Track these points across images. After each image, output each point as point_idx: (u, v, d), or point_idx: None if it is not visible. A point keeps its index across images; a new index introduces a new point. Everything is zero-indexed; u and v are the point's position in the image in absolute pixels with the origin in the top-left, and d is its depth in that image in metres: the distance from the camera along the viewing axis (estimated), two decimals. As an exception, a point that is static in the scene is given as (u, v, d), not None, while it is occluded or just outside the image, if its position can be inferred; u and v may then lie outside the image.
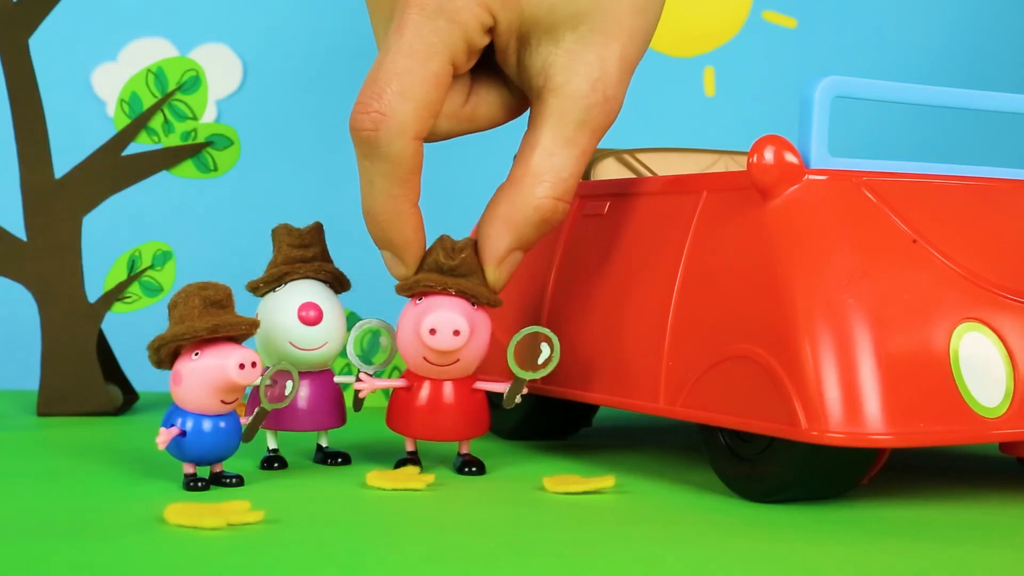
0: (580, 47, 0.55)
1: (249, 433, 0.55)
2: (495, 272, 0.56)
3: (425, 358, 0.55)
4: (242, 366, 0.52)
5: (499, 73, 0.58)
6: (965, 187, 0.54)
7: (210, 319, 0.52)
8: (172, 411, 0.53)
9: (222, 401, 0.53)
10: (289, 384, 0.55)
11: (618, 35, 0.56)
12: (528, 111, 0.58)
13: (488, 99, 0.58)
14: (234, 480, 0.54)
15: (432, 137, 0.57)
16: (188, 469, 0.54)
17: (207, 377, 0.52)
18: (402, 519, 0.49)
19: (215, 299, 0.53)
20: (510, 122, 0.60)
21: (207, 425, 0.53)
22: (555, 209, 0.56)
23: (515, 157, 0.57)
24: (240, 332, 0.53)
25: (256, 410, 0.55)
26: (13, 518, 0.48)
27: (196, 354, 0.52)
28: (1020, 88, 0.86)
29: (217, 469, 0.54)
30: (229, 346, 0.52)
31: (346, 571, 0.41)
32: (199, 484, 0.53)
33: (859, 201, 0.51)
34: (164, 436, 0.53)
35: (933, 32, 0.94)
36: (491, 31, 0.55)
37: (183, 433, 0.53)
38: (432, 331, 0.54)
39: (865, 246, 0.50)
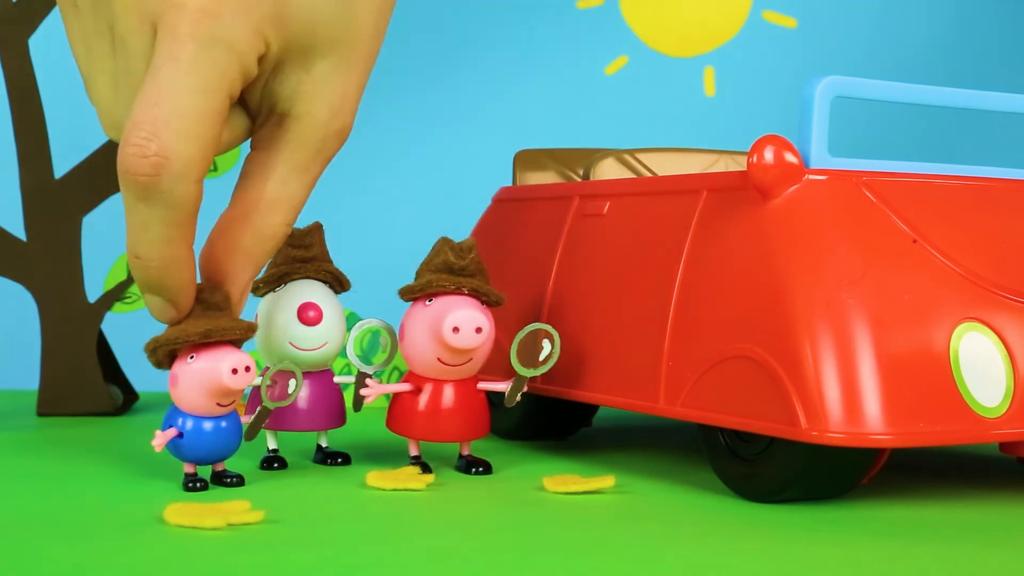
0: (327, 75, 0.54)
1: (251, 432, 0.55)
2: (239, 303, 0.55)
3: (440, 359, 0.56)
4: (235, 371, 0.52)
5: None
6: (965, 187, 0.54)
7: (204, 323, 0.52)
8: (172, 412, 0.53)
9: (217, 404, 0.53)
10: (292, 383, 0.55)
11: (359, 63, 0.55)
12: (253, 132, 0.56)
13: (231, 123, 0.55)
14: (235, 480, 0.54)
15: None
16: (188, 469, 0.54)
17: (201, 380, 0.52)
18: (402, 519, 0.49)
19: (211, 302, 0.53)
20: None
21: (207, 426, 0.53)
22: (287, 234, 0.55)
23: (240, 181, 0.55)
24: (234, 337, 0.53)
25: (258, 409, 0.55)
26: (13, 518, 0.48)
27: (192, 357, 0.52)
28: (1020, 88, 0.86)
29: (219, 468, 0.54)
30: (224, 350, 0.52)
31: (346, 571, 0.41)
32: (198, 484, 0.53)
33: (859, 201, 0.51)
34: (160, 439, 0.53)
35: (933, 32, 0.94)
36: (261, 59, 0.53)
37: (180, 435, 0.53)
38: (455, 329, 0.54)
39: (865, 246, 0.50)
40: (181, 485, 0.53)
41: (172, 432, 0.53)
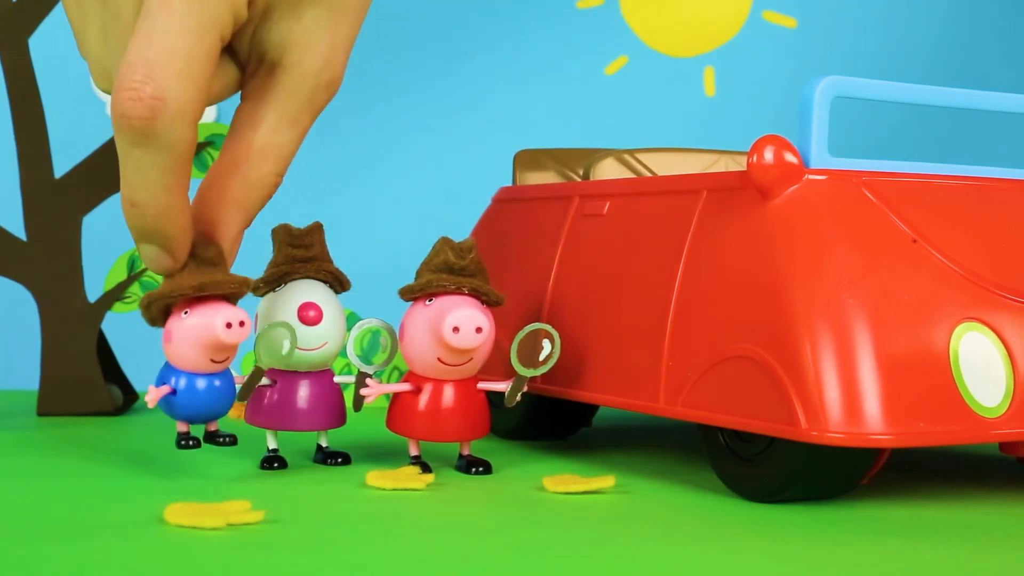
0: (317, 24, 0.54)
1: (244, 392, 0.55)
2: (232, 255, 0.55)
3: (440, 359, 0.56)
4: (229, 325, 0.51)
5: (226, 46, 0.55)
6: (965, 187, 0.54)
7: (197, 277, 0.52)
8: (165, 369, 0.53)
9: (212, 360, 0.52)
10: (285, 343, 0.55)
11: (349, 14, 0.54)
12: (243, 84, 0.56)
13: (220, 73, 0.55)
14: (227, 439, 0.54)
15: None
16: (181, 427, 0.53)
17: (195, 335, 0.52)
18: (402, 519, 0.49)
19: (205, 256, 0.52)
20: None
21: (201, 383, 0.52)
22: (276, 184, 0.55)
23: (230, 133, 0.55)
24: (228, 291, 0.52)
25: (252, 369, 0.55)
26: (13, 518, 0.48)
27: (185, 312, 0.52)
28: (1019, 88, 0.86)
29: (211, 428, 0.54)
30: (217, 304, 0.52)
31: (346, 571, 0.41)
32: (191, 443, 0.52)
33: (859, 201, 0.51)
34: (153, 394, 0.52)
35: (933, 32, 0.94)
36: (251, 3, 0.53)
37: (173, 392, 0.52)
38: (455, 329, 0.54)
39: (865, 246, 0.50)
40: (174, 443, 0.53)
41: (165, 388, 0.52)
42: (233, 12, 0.51)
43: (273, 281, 0.59)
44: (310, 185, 0.95)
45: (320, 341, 0.58)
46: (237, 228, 0.54)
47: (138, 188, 0.51)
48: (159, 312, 0.53)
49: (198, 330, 0.51)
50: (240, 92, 0.56)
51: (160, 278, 0.54)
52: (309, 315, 0.57)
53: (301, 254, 0.59)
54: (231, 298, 0.53)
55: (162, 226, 0.52)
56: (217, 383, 0.53)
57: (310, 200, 0.94)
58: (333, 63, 0.54)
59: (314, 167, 0.96)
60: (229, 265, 0.54)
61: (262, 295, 0.59)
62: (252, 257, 0.66)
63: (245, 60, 0.55)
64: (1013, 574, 0.42)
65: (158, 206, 0.51)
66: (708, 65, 0.92)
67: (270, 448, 0.59)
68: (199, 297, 0.52)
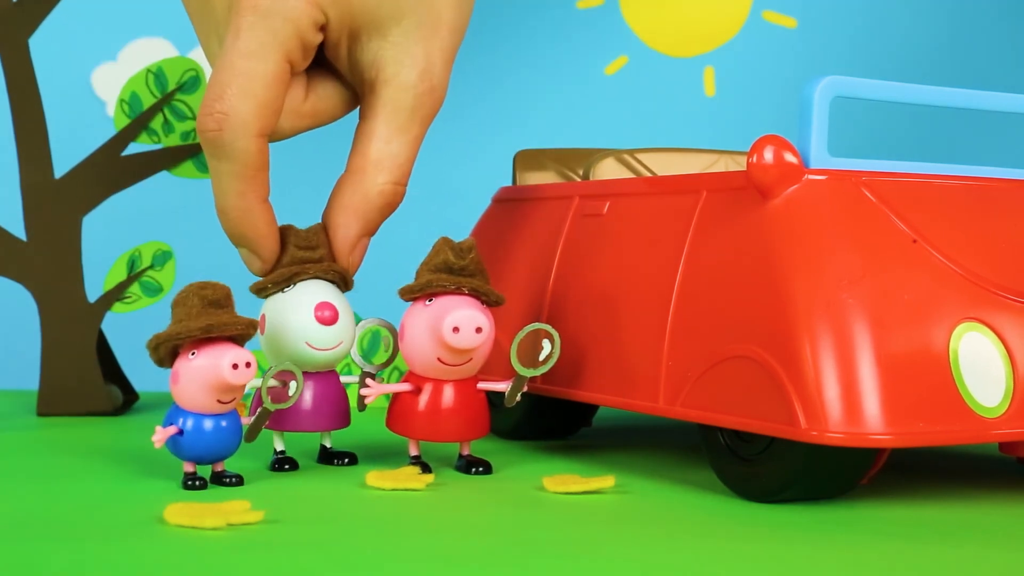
0: (406, 40, 0.58)
1: (251, 433, 0.55)
2: (348, 259, 0.59)
3: (439, 359, 0.56)
4: (235, 366, 0.52)
5: (333, 69, 0.60)
6: (965, 187, 0.54)
7: (205, 319, 0.52)
8: (173, 410, 0.53)
9: (219, 401, 0.53)
10: (293, 384, 0.55)
11: (439, 28, 0.59)
12: (359, 104, 0.61)
13: (325, 94, 0.61)
14: (234, 480, 0.54)
15: (278, 135, 0.59)
16: (188, 468, 0.54)
17: (202, 377, 0.52)
18: (402, 519, 0.49)
19: (213, 299, 0.53)
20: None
21: (208, 424, 0.53)
22: (395, 193, 0.59)
23: (352, 146, 0.60)
24: (236, 332, 0.53)
25: (259, 410, 0.55)
26: (13, 518, 0.48)
27: (192, 354, 0.52)
28: (1019, 88, 0.86)
29: (218, 468, 0.55)
30: (224, 346, 0.52)
31: (346, 571, 0.41)
32: (197, 483, 0.53)
33: (859, 201, 0.51)
34: (160, 435, 0.53)
35: (933, 32, 0.94)
36: (323, 28, 0.58)
37: (180, 432, 0.53)
38: (455, 329, 0.54)
39: (865, 246, 0.50)
40: (180, 484, 0.53)
41: (172, 429, 0.53)
42: (298, 35, 0.56)
43: (281, 282, 0.59)
44: (310, 185, 0.95)
45: (336, 340, 0.58)
46: (354, 232, 0.59)
47: (218, 195, 0.58)
48: (167, 353, 0.53)
49: (205, 371, 0.52)
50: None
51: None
52: (325, 315, 0.57)
53: (307, 255, 0.59)
54: (238, 339, 0.53)
55: (242, 229, 0.58)
56: (223, 423, 0.53)
57: (312, 201, 0.94)
58: (430, 73, 0.59)
59: (314, 167, 0.96)
60: (354, 271, 0.59)
61: (269, 295, 0.59)
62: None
63: (352, 82, 0.60)
64: (1013, 574, 0.42)
65: (235, 210, 0.57)
66: (708, 65, 0.92)
67: (277, 450, 0.59)
68: (206, 338, 0.52)
